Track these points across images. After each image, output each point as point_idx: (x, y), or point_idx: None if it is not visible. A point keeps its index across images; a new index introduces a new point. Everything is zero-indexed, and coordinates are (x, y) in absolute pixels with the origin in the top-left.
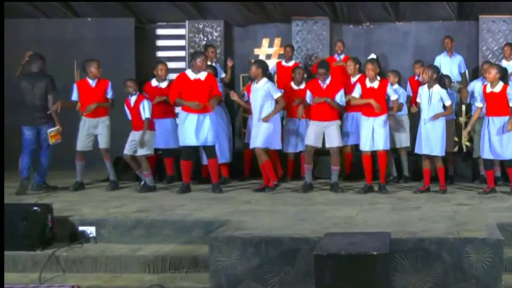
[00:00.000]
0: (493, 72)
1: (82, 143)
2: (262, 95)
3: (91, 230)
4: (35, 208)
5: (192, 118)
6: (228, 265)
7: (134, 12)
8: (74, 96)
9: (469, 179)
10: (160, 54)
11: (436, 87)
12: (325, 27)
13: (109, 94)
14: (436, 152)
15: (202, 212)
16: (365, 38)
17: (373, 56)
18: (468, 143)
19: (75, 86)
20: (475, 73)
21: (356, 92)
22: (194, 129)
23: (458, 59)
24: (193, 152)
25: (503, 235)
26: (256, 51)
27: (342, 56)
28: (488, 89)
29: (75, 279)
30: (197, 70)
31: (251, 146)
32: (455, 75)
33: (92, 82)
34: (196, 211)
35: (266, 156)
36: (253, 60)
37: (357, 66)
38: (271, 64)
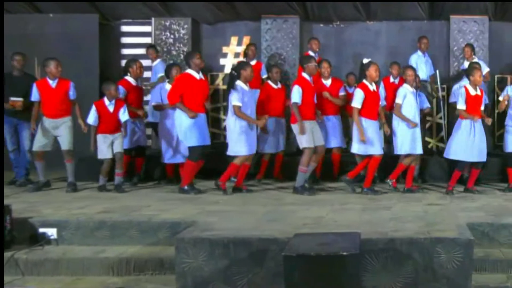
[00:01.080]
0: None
1: (40, 143)
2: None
3: (52, 232)
4: None
5: (203, 117)
6: (195, 267)
7: (99, 9)
8: (34, 97)
9: (440, 179)
10: (125, 51)
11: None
12: (295, 26)
13: (72, 95)
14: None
15: (169, 213)
16: (336, 37)
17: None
18: (438, 143)
19: (34, 86)
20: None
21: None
22: (205, 128)
23: (429, 59)
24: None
25: (473, 235)
26: (225, 49)
27: (317, 54)
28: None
29: (35, 283)
30: (198, 70)
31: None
32: (427, 75)
33: (52, 83)
34: (163, 212)
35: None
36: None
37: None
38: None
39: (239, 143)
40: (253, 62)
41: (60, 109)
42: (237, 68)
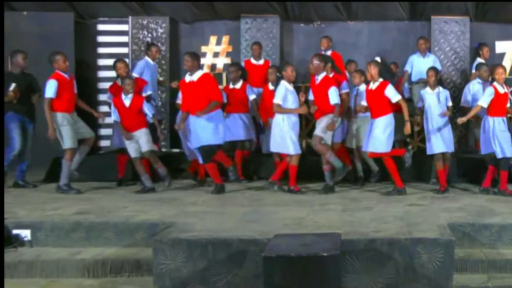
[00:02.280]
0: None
1: (73, 139)
2: None
3: (25, 234)
4: None
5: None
6: (173, 268)
7: (74, 7)
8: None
9: (420, 179)
10: (101, 50)
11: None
12: (275, 25)
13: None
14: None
15: (147, 214)
16: (317, 37)
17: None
18: (420, 143)
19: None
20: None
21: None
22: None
23: (431, 58)
24: None
25: (454, 235)
26: (204, 48)
27: (329, 52)
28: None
29: (8, 285)
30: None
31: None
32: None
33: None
34: (140, 213)
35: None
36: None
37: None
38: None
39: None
40: (261, 62)
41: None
42: (280, 70)
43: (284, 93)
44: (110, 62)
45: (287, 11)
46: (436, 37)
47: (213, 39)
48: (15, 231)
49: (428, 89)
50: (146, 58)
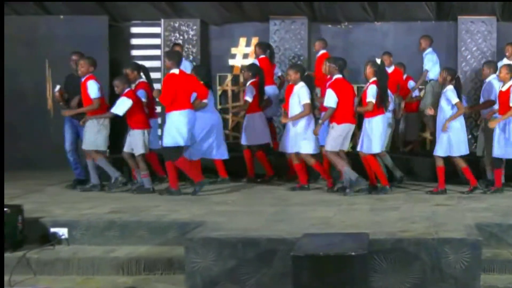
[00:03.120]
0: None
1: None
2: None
3: (63, 232)
4: (5, 209)
5: None
6: (204, 267)
7: (108, 10)
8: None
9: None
10: (134, 53)
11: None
12: (303, 27)
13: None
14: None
15: (178, 213)
16: (344, 38)
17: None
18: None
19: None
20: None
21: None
22: None
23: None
24: None
25: (481, 236)
26: (233, 50)
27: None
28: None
29: (46, 282)
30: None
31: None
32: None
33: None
34: (172, 212)
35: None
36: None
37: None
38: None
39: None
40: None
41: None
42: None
43: None
44: (144, 64)
45: (314, 12)
46: (463, 37)
47: (242, 41)
48: (53, 230)
49: None
50: None
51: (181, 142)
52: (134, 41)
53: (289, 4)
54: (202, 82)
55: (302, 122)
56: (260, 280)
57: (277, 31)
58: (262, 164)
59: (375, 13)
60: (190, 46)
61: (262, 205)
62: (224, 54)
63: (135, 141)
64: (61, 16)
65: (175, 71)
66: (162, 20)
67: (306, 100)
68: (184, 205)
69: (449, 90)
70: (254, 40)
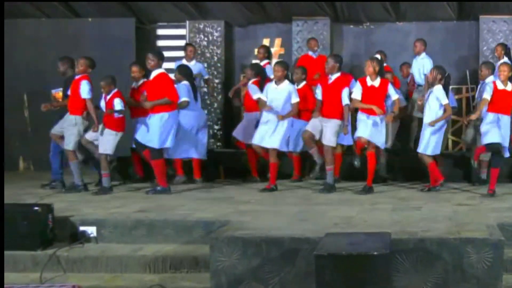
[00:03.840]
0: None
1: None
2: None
3: (91, 230)
4: (36, 208)
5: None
6: (229, 265)
7: (135, 12)
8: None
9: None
10: None
11: (437, 88)
12: (325, 27)
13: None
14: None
15: (203, 212)
16: (366, 38)
17: (377, 56)
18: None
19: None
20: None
21: (357, 93)
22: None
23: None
24: None
25: (503, 235)
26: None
27: (316, 54)
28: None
29: (75, 279)
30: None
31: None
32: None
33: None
34: (197, 211)
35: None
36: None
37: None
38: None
39: None
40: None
41: None
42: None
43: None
44: (169, 65)
45: (336, 13)
46: (485, 37)
47: (265, 42)
48: (81, 228)
49: None
50: (183, 59)
51: (169, 144)
52: (160, 43)
53: (312, 5)
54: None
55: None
56: (284, 278)
57: (299, 32)
58: (250, 163)
59: (396, 13)
60: (215, 47)
61: (285, 205)
62: (248, 55)
63: (105, 140)
64: (90, 19)
65: (162, 70)
66: (187, 22)
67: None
68: (209, 204)
69: (439, 90)
70: (277, 41)
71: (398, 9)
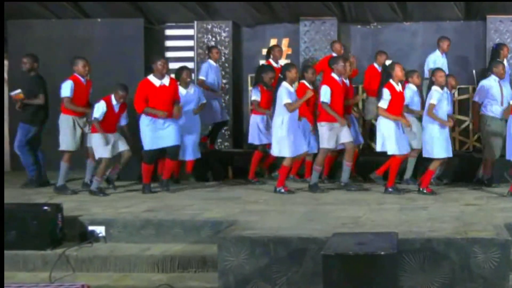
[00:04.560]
0: None
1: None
2: None
3: (100, 230)
4: (45, 207)
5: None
6: (237, 265)
7: (144, 13)
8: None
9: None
10: (168, 54)
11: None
12: (333, 28)
13: None
14: None
15: (211, 212)
16: (373, 38)
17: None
18: (476, 144)
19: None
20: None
21: (384, 103)
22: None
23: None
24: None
25: (510, 235)
26: (264, 51)
27: None
28: None
29: (84, 279)
30: (160, 75)
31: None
32: None
33: (83, 80)
34: (205, 211)
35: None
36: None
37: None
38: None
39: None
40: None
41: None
42: (283, 70)
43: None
44: (177, 65)
45: (344, 13)
46: (492, 37)
47: (273, 42)
48: (90, 228)
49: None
50: (209, 60)
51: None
52: (169, 43)
53: (319, 5)
54: None
55: None
56: (291, 278)
57: (307, 32)
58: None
59: (404, 13)
60: (223, 48)
61: (293, 205)
62: (256, 55)
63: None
64: (99, 19)
65: None
66: (195, 22)
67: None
68: (217, 204)
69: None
70: (285, 41)
71: (405, 9)
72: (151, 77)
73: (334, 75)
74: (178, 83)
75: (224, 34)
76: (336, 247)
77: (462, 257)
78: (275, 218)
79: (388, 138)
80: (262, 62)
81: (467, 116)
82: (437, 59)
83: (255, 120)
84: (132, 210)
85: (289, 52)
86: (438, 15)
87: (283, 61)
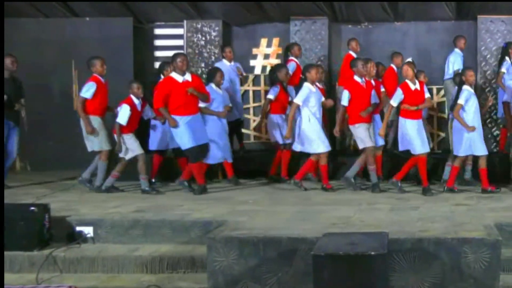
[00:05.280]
0: None
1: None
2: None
3: (88, 230)
4: (32, 208)
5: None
6: (226, 265)
7: (133, 12)
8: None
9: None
10: (158, 53)
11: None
12: (324, 27)
13: None
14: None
15: (200, 212)
16: (364, 38)
17: (409, 59)
18: None
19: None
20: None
21: (396, 100)
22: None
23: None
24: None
25: (501, 235)
26: (255, 51)
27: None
28: None
29: (72, 280)
30: (181, 72)
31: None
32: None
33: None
34: (194, 211)
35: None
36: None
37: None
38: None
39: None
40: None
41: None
42: (303, 71)
43: (307, 95)
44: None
45: (335, 12)
46: (483, 37)
47: (263, 41)
48: (78, 228)
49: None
50: (223, 60)
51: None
52: (158, 42)
53: (310, 5)
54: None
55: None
56: (281, 279)
57: (297, 32)
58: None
59: (395, 13)
60: (212, 47)
61: (283, 205)
62: (246, 55)
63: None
64: (87, 18)
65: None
66: (185, 21)
67: None
68: (206, 204)
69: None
70: (275, 41)
71: (396, 9)
72: (174, 74)
73: (356, 77)
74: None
75: (214, 34)
76: (326, 247)
77: (452, 257)
78: (265, 218)
79: (413, 138)
80: (252, 61)
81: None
82: (456, 58)
83: (273, 120)
84: (121, 210)
85: (280, 51)
86: (429, 15)
87: (272, 61)
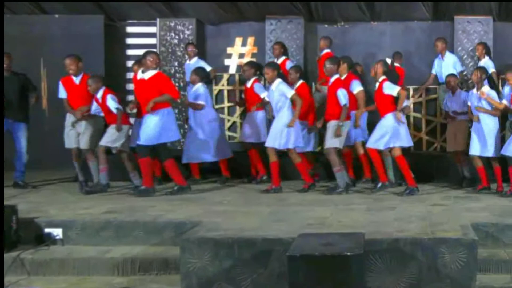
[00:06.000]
0: None
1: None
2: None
3: (57, 232)
4: None
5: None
6: (200, 267)
7: (104, 9)
8: (61, 94)
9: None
10: (130, 52)
11: (485, 88)
12: (299, 26)
13: None
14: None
15: (174, 213)
16: (340, 37)
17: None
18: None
19: (60, 84)
20: None
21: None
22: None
23: (451, 59)
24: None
25: (477, 235)
26: (229, 50)
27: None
28: None
29: (41, 283)
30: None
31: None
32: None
33: (76, 79)
34: (168, 212)
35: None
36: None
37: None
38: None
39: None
40: (280, 60)
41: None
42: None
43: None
44: None
45: (311, 12)
46: (459, 37)
47: (238, 41)
48: (47, 230)
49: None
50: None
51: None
52: (130, 41)
53: (286, 4)
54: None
55: None
56: (256, 280)
57: (273, 31)
58: (255, 163)
59: (371, 13)
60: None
61: (258, 205)
62: (220, 54)
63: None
64: (56, 15)
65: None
66: (158, 20)
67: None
68: (180, 205)
69: (490, 91)
70: (250, 40)
71: (373, 8)
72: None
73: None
74: None
75: (187, 32)
76: (301, 248)
77: (429, 257)
78: (239, 219)
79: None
80: (226, 60)
81: (434, 116)
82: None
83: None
84: (91, 211)
85: (255, 51)
86: (406, 15)
87: (247, 60)
